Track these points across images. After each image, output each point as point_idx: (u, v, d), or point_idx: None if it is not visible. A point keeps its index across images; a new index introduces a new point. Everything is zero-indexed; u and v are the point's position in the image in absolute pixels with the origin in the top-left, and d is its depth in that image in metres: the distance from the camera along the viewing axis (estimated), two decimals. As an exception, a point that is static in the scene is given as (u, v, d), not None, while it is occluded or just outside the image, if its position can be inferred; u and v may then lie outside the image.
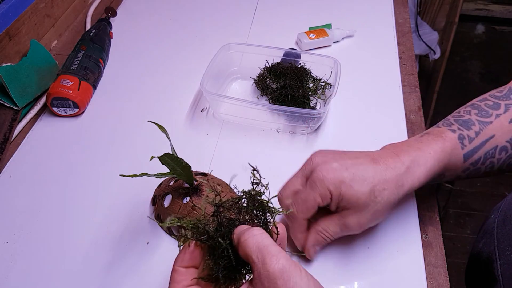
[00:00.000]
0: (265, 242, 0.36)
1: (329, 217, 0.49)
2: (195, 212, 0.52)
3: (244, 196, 0.40)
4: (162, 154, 0.46)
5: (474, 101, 0.56)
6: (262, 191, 0.40)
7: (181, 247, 0.39)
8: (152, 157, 0.45)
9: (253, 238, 0.36)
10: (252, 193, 0.40)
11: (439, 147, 0.51)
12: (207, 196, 0.51)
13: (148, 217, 0.56)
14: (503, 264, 0.51)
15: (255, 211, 0.39)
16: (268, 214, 0.40)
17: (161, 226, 0.54)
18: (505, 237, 0.51)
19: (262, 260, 0.35)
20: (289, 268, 0.35)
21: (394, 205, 0.49)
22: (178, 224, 0.38)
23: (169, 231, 0.54)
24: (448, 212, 1.66)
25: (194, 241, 0.38)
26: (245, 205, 0.40)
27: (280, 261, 0.35)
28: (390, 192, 0.47)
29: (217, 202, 0.39)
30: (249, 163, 0.42)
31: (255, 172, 0.40)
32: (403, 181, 0.48)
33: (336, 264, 0.51)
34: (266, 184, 0.40)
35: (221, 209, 0.39)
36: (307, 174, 0.49)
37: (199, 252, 0.38)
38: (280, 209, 0.41)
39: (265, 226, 0.39)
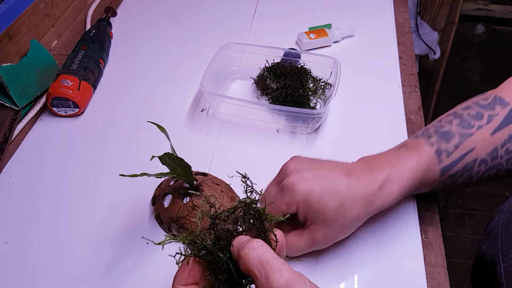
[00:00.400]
0: (267, 255, 0.34)
1: (299, 232, 0.48)
2: (195, 212, 0.52)
3: (239, 206, 0.39)
4: (162, 154, 0.46)
5: (457, 108, 0.55)
6: (257, 198, 0.39)
7: (180, 264, 0.37)
8: (153, 157, 0.45)
9: (254, 252, 0.35)
10: (247, 201, 0.39)
11: (414, 164, 0.50)
12: (201, 210, 0.49)
13: (143, 237, 0.54)
14: (507, 267, 0.50)
15: (251, 220, 0.38)
16: (266, 221, 0.39)
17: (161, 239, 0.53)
18: (509, 240, 0.51)
19: (265, 275, 0.33)
20: (293, 281, 0.33)
21: (362, 221, 0.49)
22: (174, 240, 0.37)
23: (169, 231, 0.54)
24: (448, 212, 1.66)
25: (192, 258, 0.37)
26: (241, 214, 0.39)
27: (284, 275, 0.33)
28: (360, 209, 0.47)
29: (212, 214, 0.38)
30: (237, 171, 0.42)
31: (245, 179, 0.39)
32: (375, 199, 0.47)
33: (336, 264, 0.51)
34: (260, 191, 0.40)
35: (217, 221, 0.38)
36: (281, 179, 0.48)
37: (198, 268, 0.37)
38: (277, 216, 0.40)
39: (263, 234, 0.38)
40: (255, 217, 0.39)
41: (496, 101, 0.53)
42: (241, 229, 0.38)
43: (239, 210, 0.39)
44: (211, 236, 0.37)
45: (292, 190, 0.45)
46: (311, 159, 0.50)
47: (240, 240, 0.36)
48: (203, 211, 0.39)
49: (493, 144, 0.51)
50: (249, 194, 0.40)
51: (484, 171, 0.53)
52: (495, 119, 0.52)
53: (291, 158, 0.50)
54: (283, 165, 0.50)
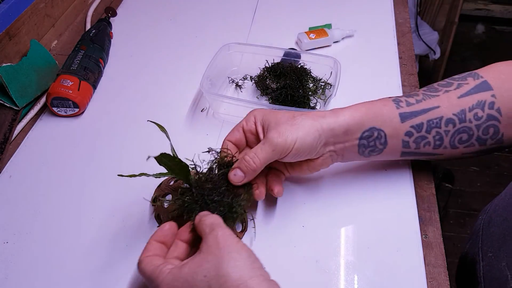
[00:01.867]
0: (218, 221, 0.45)
1: (259, 144, 0.52)
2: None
3: (214, 165, 0.52)
4: (159, 154, 0.46)
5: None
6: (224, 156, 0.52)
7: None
8: (149, 157, 0.45)
9: (209, 219, 0.45)
10: (218, 160, 0.52)
11: (369, 103, 0.54)
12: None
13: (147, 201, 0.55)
14: (485, 266, 0.51)
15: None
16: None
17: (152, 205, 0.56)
18: (489, 239, 0.51)
19: (212, 230, 0.43)
20: (231, 237, 0.42)
21: (313, 134, 0.51)
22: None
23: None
24: (448, 212, 1.66)
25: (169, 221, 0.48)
26: (216, 172, 0.52)
27: (226, 231, 0.43)
28: (310, 118, 0.52)
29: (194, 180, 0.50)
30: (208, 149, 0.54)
31: (211, 150, 0.53)
32: (325, 113, 0.53)
33: (336, 264, 0.51)
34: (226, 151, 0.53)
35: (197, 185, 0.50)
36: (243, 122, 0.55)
37: (171, 231, 0.47)
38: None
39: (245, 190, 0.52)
40: (227, 166, 0.52)
41: (470, 74, 0.55)
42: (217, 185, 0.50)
43: (214, 168, 0.52)
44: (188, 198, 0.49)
45: (251, 113, 0.54)
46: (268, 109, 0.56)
47: (203, 213, 0.47)
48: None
49: (459, 106, 0.53)
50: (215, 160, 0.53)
51: (454, 133, 0.53)
52: (464, 86, 0.54)
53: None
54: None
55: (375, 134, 0.53)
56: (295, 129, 0.50)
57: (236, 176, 0.51)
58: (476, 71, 0.55)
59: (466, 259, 0.56)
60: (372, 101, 0.55)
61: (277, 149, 0.50)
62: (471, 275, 0.54)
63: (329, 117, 0.52)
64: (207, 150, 0.53)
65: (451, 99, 0.53)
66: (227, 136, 0.55)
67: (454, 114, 0.53)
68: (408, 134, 0.54)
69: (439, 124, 0.53)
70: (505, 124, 0.53)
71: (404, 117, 0.53)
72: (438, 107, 0.53)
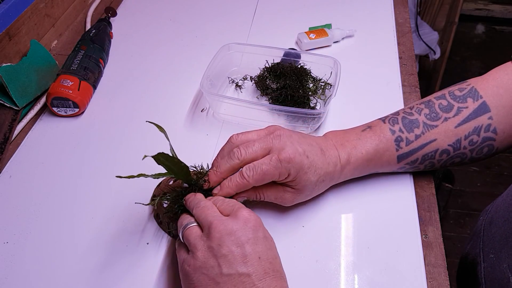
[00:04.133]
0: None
1: (270, 184, 0.52)
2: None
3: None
4: (157, 153, 0.46)
5: (432, 96, 0.57)
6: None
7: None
8: (145, 156, 0.45)
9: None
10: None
11: (373, 148, 0.55)
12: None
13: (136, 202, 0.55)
14: (486, 267, 0.51)
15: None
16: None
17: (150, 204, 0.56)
18: (490, 240, 0.51)
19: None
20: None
21: (318, 192, 0.55)
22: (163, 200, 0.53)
23: (168, 231, 0.54)
24: (448, 212, 1.66)
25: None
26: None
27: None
28: (326, 184, 0.54)
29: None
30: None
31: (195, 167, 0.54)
32: (335, 176, 0.54)
33: (336, 264, 0.51)
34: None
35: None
36: (269, 145, 0.50)
37: None
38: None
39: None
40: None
41: (470, 93, 0.55)
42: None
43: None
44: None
45: (289, 164, 0.49)
46: (292, 130, 0.53)
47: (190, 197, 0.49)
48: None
49: (455, 136, 0.54)
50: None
51: (447, 160, 0.56)
52: (463, 112, 0.54)
53: (277, 126, 0.53)
54: (270, 128, 0.53)
55: (369, 174, 0.58)
56: (306, 198, 0.54)
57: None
58: (476, 86, 0.55)
59: (467, 260, 0.56)
60: (377, 142, 0.55)
61: (281, 202, 0.54)
62: (472, 277, 0.54)
63: (336, 178, 0.55)
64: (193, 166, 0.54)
65: (448, 130, 0.54)
66: (247, 135, 0.52)
67: (449, 145, 0.54)
68: (401, 168, 0.57)
69: (434, 156, 0.55)
70: (501, 139, 0.54)
71: (401, 158, 0.55)
72: (434, 140, 0.54)
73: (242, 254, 0.42)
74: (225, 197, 0.50)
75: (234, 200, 0.49)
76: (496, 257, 0.50)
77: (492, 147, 0.55)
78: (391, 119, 0.56)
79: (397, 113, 0.57)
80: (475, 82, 0.56)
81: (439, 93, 0.57)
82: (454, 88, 0.56)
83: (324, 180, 0.53)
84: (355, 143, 0.55)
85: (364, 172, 0.57)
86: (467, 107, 0.54)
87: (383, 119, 0.57)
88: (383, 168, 0.57)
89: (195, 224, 0.46)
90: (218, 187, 0.51)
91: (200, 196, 0.49)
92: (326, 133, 0.57)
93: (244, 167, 0.50)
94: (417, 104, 0.57)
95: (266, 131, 0.52)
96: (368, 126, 0.57)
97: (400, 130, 0.55)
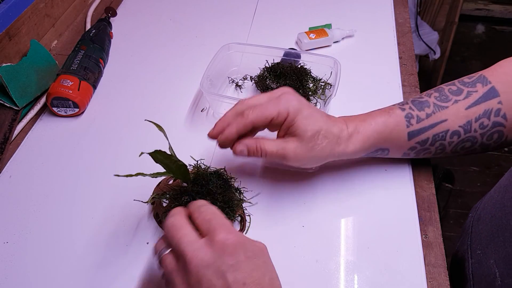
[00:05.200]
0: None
1: (274, 140, 0.52)
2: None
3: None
4: (153, 150, 0.45)
5: (443, 84, 0.57)
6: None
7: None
8: (142, 153, 0.44)
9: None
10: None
11: (382, 122, 0.54)
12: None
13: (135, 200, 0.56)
14: (474, 263, 0.51)
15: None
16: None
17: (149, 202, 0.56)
18: (477, 237, 0.52)
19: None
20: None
21: (325, 158, 0.53)
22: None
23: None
24: (448, 212, 1.66)
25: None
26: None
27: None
28: (329, 143, 0.51)
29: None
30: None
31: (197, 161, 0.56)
32: (341, 142, 0.52)
33: (336, 264, 0.51)
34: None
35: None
36: (274, 96, 0.51)
37: None
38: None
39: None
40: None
41: (479, 79, 0.55)
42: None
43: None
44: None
45: (287, 102, 0.50)
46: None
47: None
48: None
49: (466, 117, 0.53)
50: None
51: (458, 143, 0.55)
52: (473, 95, 0.54)
53: (285, 88, 0.53)
54: (277, 89, 0.53)
55: (379, 151, 0.56)
56: (309, 155, 0.51)
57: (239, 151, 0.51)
58: (484, 73, 0.55)
59: (457, 257, 0.56)
60: (387, 117, 0.55)
61: (284, 158, 0.51)
62: (461, 272, 0.54)
63: (342, 145, 0.53)
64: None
65: (459, 111, 0.53)
66: (251, 116, 0.50)
67: (460, 126, 0.53)
68: (412, 148, 0.56)
69: (444, 137, 0.54)
70: (510, 127, 0.53)
71: (412, 135, 0.54)
72: (445, 120, 0.54)
73: (225, 285, 0.38)
74: (226, 142, 0.50)
75: (213, 208, 0.43)
76: (483, 253, 0.50)
77: (502, 134, 0.54)
78: (402, 102, 0.56)
79: (406, 99, 0.58)
80: (483, 72, 0.56)
81: (449, 82, 0.57)
82: (463, 78, 0.57)
83: (327, 137, 0.51)
84: (364, 117, 0.55)
85: (373, 146, 0.55)
86: (476, 91, 0.54)
87: (392, 104, 0.57)
88: (394, 147, 0.56)
89: (168, 251, 0.42)
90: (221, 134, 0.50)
91: (174, 211, 0.44)
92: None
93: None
94: (428, 91, 0.57)
95: (274, 90, 0.53)
96: (379, 109, 0.57)
97: (411, 108, 0.55)
